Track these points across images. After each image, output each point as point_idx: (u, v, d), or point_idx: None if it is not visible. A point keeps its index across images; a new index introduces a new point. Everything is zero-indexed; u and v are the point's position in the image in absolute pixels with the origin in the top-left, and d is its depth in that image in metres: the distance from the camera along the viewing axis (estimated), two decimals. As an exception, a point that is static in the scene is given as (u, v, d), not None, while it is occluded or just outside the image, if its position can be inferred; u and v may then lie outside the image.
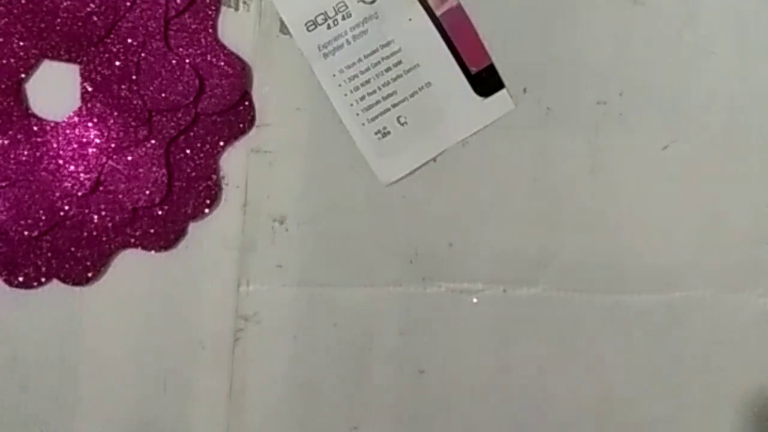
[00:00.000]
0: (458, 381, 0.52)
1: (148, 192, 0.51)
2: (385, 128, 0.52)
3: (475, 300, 0.52)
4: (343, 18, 0.52)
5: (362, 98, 0.52)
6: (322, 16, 0.51)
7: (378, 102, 0.52)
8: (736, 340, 0.52)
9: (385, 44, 0.52)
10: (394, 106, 0.52)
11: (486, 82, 0.52)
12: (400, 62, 0.52)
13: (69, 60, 0.51)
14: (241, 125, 0.52)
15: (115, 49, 0.51)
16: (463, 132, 0.52)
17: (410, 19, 0.52)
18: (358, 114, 0.52)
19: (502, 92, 0.52)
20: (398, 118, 0.52)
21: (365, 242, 0.52)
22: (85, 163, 0.51)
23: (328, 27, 0.51)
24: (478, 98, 0.52)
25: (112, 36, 0.51)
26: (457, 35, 0.52)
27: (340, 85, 0.52)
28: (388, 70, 0.52)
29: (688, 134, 0.52)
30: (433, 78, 0.52)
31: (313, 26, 0.51)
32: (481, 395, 0.52)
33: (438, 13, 0.52)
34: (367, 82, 0.52)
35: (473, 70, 0.52)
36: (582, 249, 0.52)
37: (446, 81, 0.52)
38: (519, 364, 0.52)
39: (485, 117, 0.52)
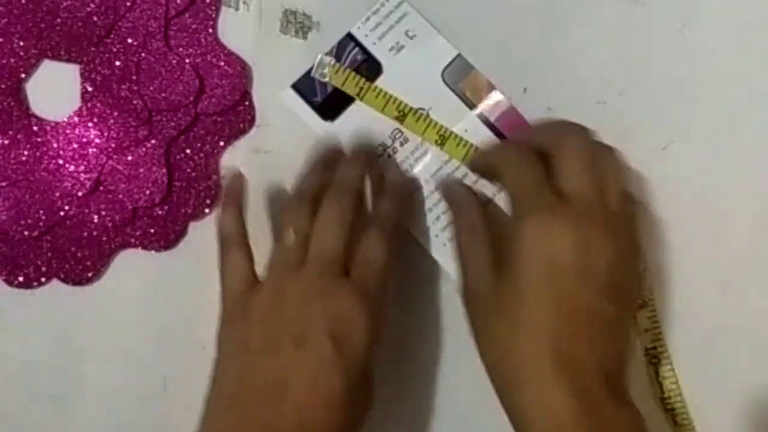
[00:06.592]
0: (458, 381, 0.52)
1: (148, 192, 0.51)
2: None
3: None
4: (401, 144, 0.52)
5: (438, 218, 0.52)
6: (380, 147, 0.52)
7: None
8: (737, 340, 0.51)
9: (448, 160, 0.52)
10: None
11: None
12: (466, 174, 0.51)
13: (69, 60, 0.51)
14: (241, 125, 0.52)
15: (115, 49, 0.51)
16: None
17: (466, 130, 0.51)
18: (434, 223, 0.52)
19: None
20: None
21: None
22: (85, 163, 0.51)
23: (389, 156, 0.52)
24: None
25: (112, 36, 0.51)
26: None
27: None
28: None
29: (688, 134, 0.52)
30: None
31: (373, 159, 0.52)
32: (481, 395, 0.51)
33: (492, 119, 0.52)
34: (440, 201, 0.52)
35: None
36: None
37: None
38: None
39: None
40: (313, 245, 0.45)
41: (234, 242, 0.47)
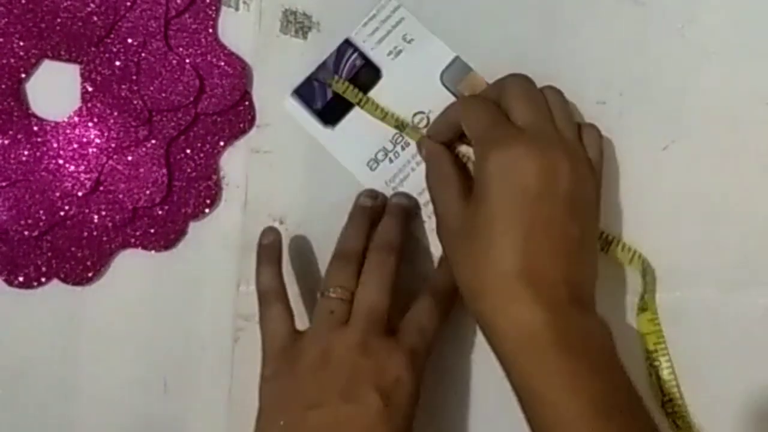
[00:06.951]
0: (458, 380, 0.52)
1: (148, 192, 0.51)
2: None
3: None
4: (403, 148, 0.52)
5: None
6: (381, 152, 0.52)
7: None
8: (737, 340, 0.51)
9: None
10: None
11: None
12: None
13: (69, 60, 0.51)
14: (241, 125, 0.52)
15: (115, 49, 0.51)
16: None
17: None
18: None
19: None
20: None
21: (365, 242, 0.52)
22: (85, 163, 0.51)
23: (390, 161, 0.52)
24: None
25: (112, 36, 0.51)
26: None
27: (416, 213, 0.52)
28: None
29: (688, 134, 0.52)
30: None
31: (375, 164, 0.52)
32: (481, 395, 0.52)
33: None
34: None
35: None
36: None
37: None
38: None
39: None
40: (358, 302, 0.47)
41: (273, 297, 0.49)
